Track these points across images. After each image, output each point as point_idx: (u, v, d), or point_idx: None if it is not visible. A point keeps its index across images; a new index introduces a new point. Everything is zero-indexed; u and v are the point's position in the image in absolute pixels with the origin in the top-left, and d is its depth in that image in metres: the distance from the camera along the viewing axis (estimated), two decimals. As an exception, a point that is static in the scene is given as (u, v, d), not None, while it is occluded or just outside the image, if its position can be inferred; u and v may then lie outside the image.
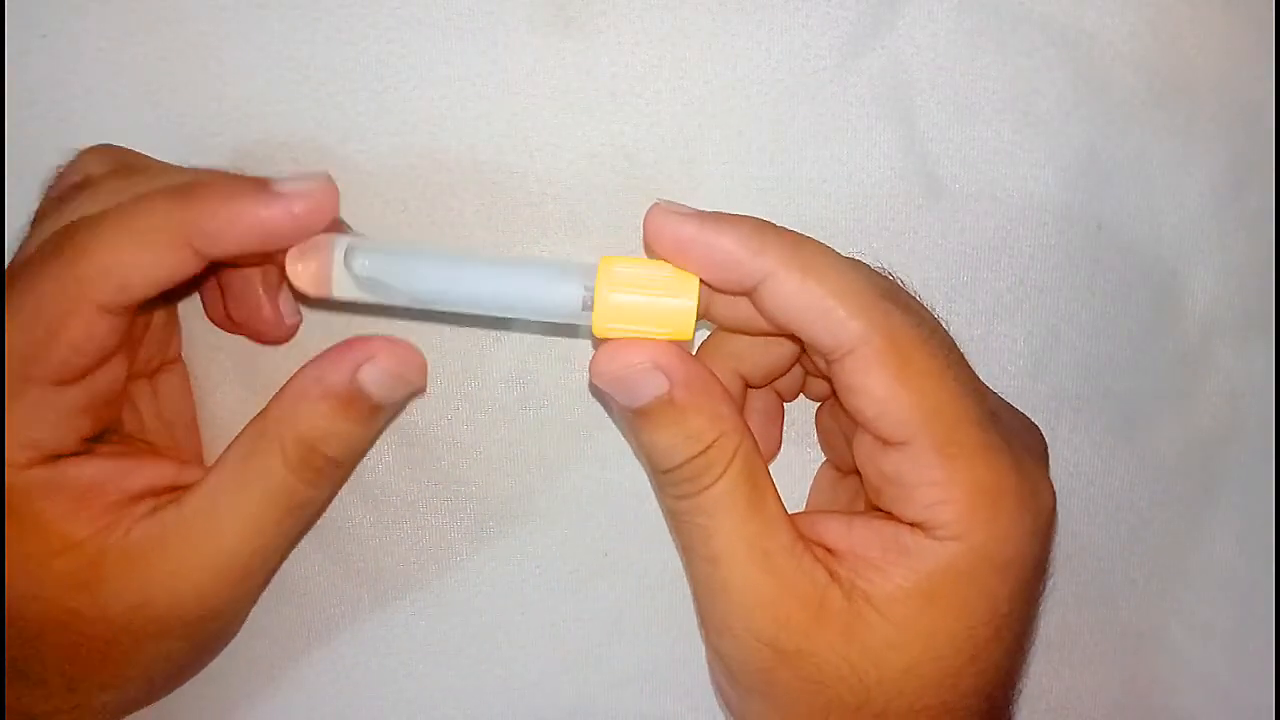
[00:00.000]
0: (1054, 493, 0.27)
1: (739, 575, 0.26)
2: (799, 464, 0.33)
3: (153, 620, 0.27)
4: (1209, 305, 0.35)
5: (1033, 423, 0.30)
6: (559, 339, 0.33)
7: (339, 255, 0.26)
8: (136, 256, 0.25)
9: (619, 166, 0.33)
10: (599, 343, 0.26)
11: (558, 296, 0.26)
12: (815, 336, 0.25)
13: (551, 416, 0.33)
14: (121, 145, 0.30)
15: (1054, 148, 0.34)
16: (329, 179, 0.26)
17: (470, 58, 0.33)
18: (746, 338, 0.29)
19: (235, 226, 0.25)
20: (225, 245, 0.25)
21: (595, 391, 0.32)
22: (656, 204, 0.26)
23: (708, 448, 0.26)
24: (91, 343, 0.26)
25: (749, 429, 0.27)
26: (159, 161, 0.30)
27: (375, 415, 0.28)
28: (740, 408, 0.31)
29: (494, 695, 0.34)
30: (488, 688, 0.34)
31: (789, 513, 0.27)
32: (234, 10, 0.33)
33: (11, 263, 0.28)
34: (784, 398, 0.33)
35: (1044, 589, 0.28)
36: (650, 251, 0.26)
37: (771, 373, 0.30)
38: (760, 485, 0.26)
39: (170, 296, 0.29)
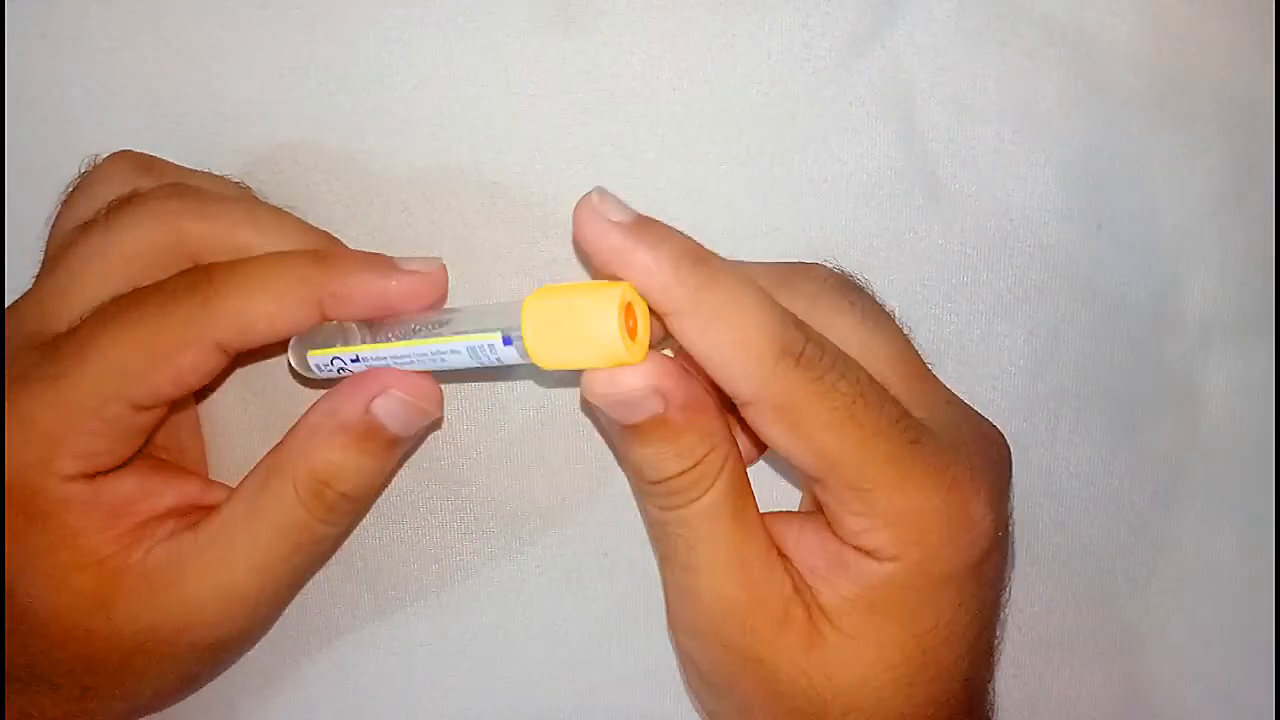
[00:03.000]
0: (998, 503, 0.27)
1: (715, 584, 0.26)
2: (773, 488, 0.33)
3: (163, 643, 0.27)
4: (1209, 305, 0.35)
5: (991, 431, 0.29)
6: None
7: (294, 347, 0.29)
8: (268, 307, 0.27)
9: (619, 166, 0.33)
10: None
11: (495, 354, 0.26)
12: (718, 382, 0.25)
13: (551, 416, 0.33)
14: (120, 145, 0.31)
15: (1054, 148, 0.34)
16: (442, 265, 0.28)
17: (470, 58, 0.33)
18: None
19: (363, 293, 0.27)
20: (350, 309, 0.27)
21: (582, 403, 0.32)
22: (591, 196, 0.24)
23: (697, 463, 0.26)
24: (194, 375, 0.27)
25: (734, 439, 0.27)
26: (179, 166, 0.31)
27: (391, 449, 0.28)
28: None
29: (494, 695, 0.34)
30: (488, 688, 0.34)
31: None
32: (234, 10, 0.33)
33: (21, 276, 0.29)
34: None
35: (999, 595, 0.28)
36: (575, 244, 0.26)
37: None
38: (743, 495, 0.27)
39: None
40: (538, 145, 0.33)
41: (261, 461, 0.28)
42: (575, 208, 0.24)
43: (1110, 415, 0.34)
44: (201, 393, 0.33)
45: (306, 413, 0.28)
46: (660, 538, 0.27)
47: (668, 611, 0.28)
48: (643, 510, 0.28)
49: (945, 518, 0.25)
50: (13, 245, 0.32)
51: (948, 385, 0.29)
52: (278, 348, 0.29)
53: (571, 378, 0.32)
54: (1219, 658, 0.35)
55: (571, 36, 0.33)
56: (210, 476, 0.32)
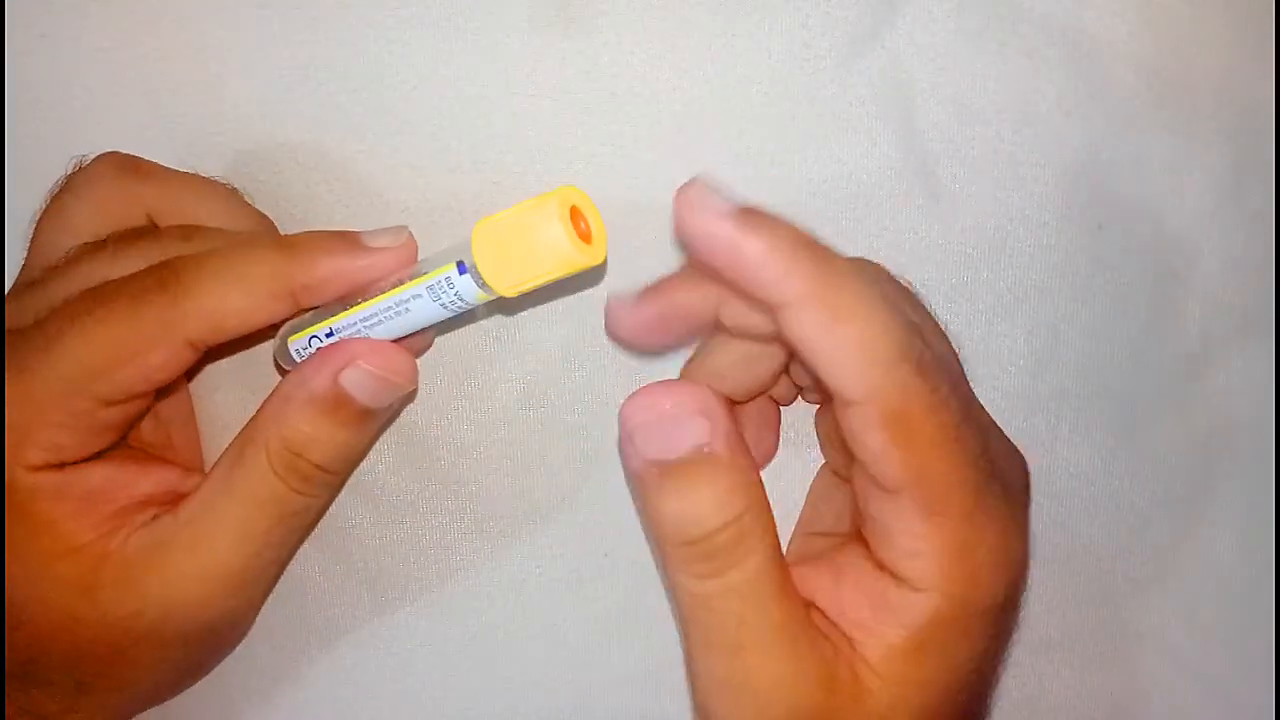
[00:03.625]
0: (1027, 536, 0.27)
1: (766, 666, 0.24)
2: (796, 465, 0.33)
3: (151, 629, 0.27)
4: (1209, 305, 0.35)
5: (1017, 452, 0.29)
6: (559, 338, 0.33)
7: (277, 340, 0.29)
8: (239, 301, 0.26)
9: (619, 166, 0.33)
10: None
11: (454, 288, 0.25)
12: (825, 378, 0.24)
13: (551, 416, 0.33)
14: (120, 145, 0.31)
15: (1054, 148, 0.34)
16: (410, 234, 0.27)
17: (470, 58, 0.33)
18: (729, 358, 0.28)
19: (334, 279, 0.27)
20: (322, 295, 0.27)
21: (622, 456, 0.28)
22: (691, 188, 0.23)
23: (741, 514, 0.24)
24: (164, 372, 0.26)
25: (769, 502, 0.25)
26: (166, 168, 0.30)
27: (364, 420, 0.28)
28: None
29: (494, 695, 0.34)
30: (488, 688, 0.34)
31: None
32: (234, 10, 0.33)
33: (19, 276, 0.29)
34: (780, 402, 0.33)
35: (1017, 620, 0.28)
36: (676, 231, 0.24)
37: (754, 391, 0.30)
38: (784, 562, 0.25)
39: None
40: (538, 145, 0.33)
41: (236, 437, 0.28)
42: (675, 200, 0.23)
43: (1110, 415, 0.34)
44: (200, 386, 0.33)
45: (279, 385, 0.28)
46: (697, 618, 0.25)
47: (697, 700, 0.26)
48: (674, 586, 0.25)
49: (994, 553, 0.25)
50: (12, 245, 0.32)
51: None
52: (252, 339, 0.29)
53: (538, 304, 0.32)
54: (1219, 658, 0.35)
55: (571, 36, 0.33)
56: (199, 472, 0.32)
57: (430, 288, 0.26)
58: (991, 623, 0.26)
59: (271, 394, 0.28)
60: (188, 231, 0.29)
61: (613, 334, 0.29)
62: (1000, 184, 0.34)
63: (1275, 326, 0.35)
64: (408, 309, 0.26)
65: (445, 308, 0.26)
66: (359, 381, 0.27)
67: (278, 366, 0.29)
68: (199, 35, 0.33)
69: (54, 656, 0.27)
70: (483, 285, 0.25)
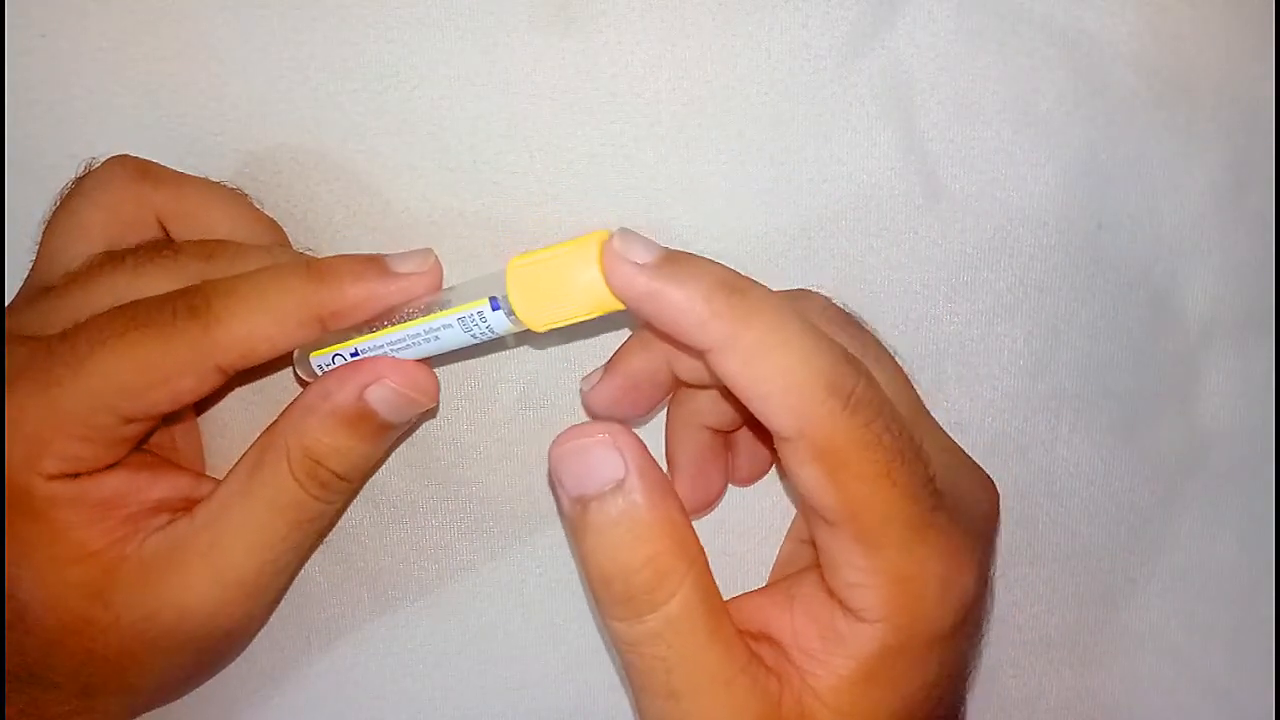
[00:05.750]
0: (984, 564, 0.27)
1: (702, 712, 0.24)
2: (778, 490, 0.33)
3: (164, 632, 0.27)
4: (1209, 305, 0.35)
5: (984, 479, 0.29)
6: (559, 339, 0.33)
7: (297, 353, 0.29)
8: (269, 330, 0.26)
9: (619, 166, 0.33)
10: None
11: (486, 321, 0.26)
12: (757, 415, 0.24)
13: (551, 416, 0.33)
14: (120, 146, 0.31)
15: (1054, 148, 0.34)
16: (436, 258, 0.28)
17: (470, 58, 0.33)
18: (708, 395, 0.29)
19: (362, 305, 0.27)
20: (349, 321, 0.27)
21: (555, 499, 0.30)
22: (613, 242, 0.24)
23: (659, 552, 0.24)
24: (192, 395, 0.27)
25: (700, 543, 0.25)
26: (176, 172, 0.31)
27: (383, 433, 0.28)
28: (722, 461, 0.32)
29: (494, 695, 0.34)
30: (488, 688, 0.34)
31: (730, 600, 0.26)
32: (234, 10, 0.33)
33: (25, 280, 0.29)
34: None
35: (978, 644, 0.28)
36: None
37: (738, 422, 0.30)
38: (716, 603, 0.25)
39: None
40: (538, 145, 0.33)
41: (255, 443, 0.28)
42: (604, 247, 0.24)
43: (1110, 415, 0.34)
44: (201, 405, 0.33)
45: (301, 393, 0.28)
46: (630, 662, 0.25)
47: None
48: (612, 639, 0.26)
49: (941, 583, 0.25)
50: (13, 245, 0.32)
51: (947, 388, 0.29)
52: (277, 364, 0.29)
53: (566, 339, 0.32)
54: (1219, 658, 0.35)
55: (571, 36, 0.33)
56: (209, 475, 0.32)
57: (461, 319, 0.26)
58: (941, 650, 0.25)
59: (293, 403, 0.28)
60: (208, 249, 0.29)
61: (589, 413, 0.30)
62: (1000, 184, 0.34)
63: (1275, 326, 0.35)
64: (437, 337, 0.27)
65: (474, 337, 0.27)
66: (384, 398, 0.27)
67: (297, 377, 0.29)
68: (199, 35, 0.33)
69: (64, 660, 0.27)
70: (514, 319, 0.26)
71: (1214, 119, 0.34)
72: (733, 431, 0.31)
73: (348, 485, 0.29)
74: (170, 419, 0.30)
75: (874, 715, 0.25)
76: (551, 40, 0.33)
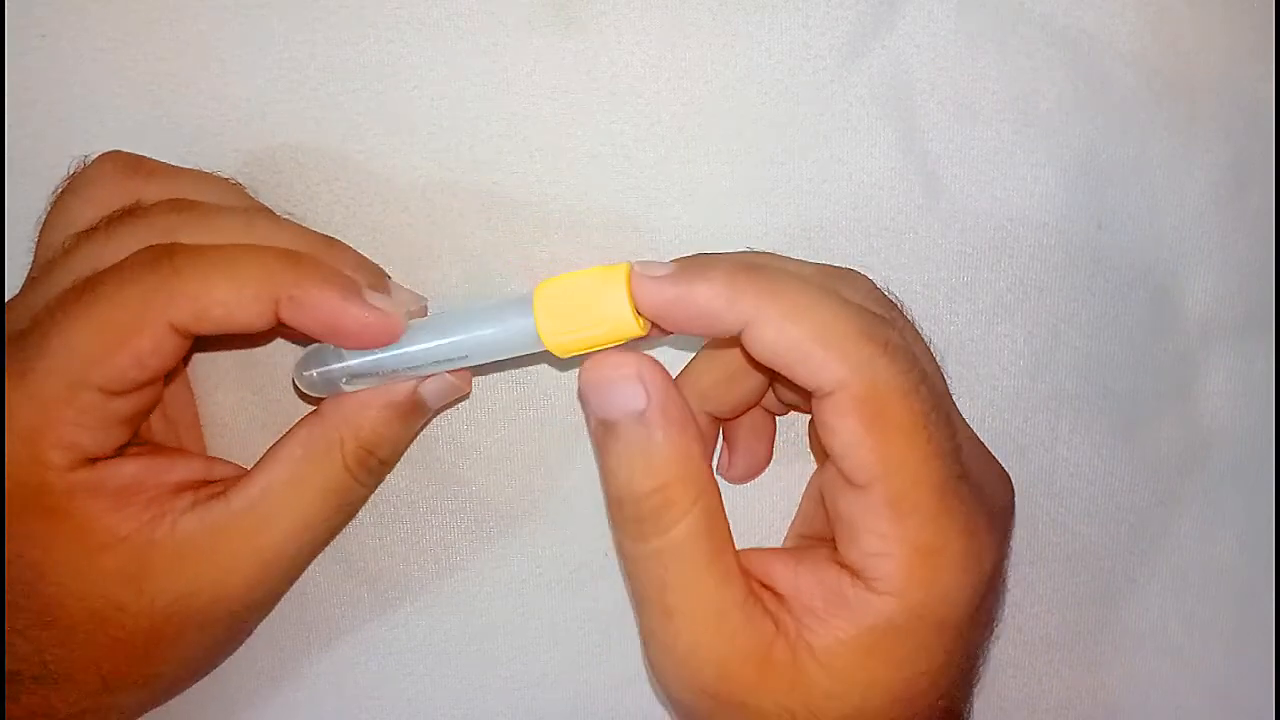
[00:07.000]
0: (1001, 554, 0.27)
1: (692, 633, 0.26)
2: (792, 474, 0.33)
3: (197, 611, 0.28)
4: (1209, 305, 0.35)
5: (1003, 473, 0.29)
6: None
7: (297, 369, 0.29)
8: (225, 294, 0.26)
9: (619, 166, 0.33)
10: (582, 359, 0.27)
11: (511, 337, 0.27)
12: (798, 378, 0.25)
13: (551, 416, 0.33)
14: (120, 145, 0.30)
15: (1054, 148, 0.34)
16: (425, 307, 0.30)
17: (470, 58, 0.33)
18: (713, 378, 0.30)
19: (317, 309, 0.27)
20: (301, 319, 0.27)
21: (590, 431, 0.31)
22: (634, 270, 0.25)
23: (667, 483, 0.25)
24: (155, 358, 0.27)
25: (715, 480, 0.26)
26: (168, 165, 0.30)
27: (424, 420, 0.30)
28: (711, 447, 0.32)
29: (494, 695, 0.34)
30: (488, 688, 0.34)
31: (741, 550, 0.27)
32: (234, 10, 0.33)
33: (30, 272, 0.29)
34: (774, 413, 0.33)
35: (989, 636, 0.28)
36: (647, 317, 0.26)
37: (739, 408, 0.31)
38: (720, 536, 0.26)
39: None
40: (538, 145, 0.33)
41: (297, 432, 0.29)
42: (630, 283, 0.25)
43: (1110, 415, 0.34)
44: (200, 386, 0.33)
45: (357, 392, 0.29)
46: (633, 576, 0.27)
47: (645, 655, 0.28)
48: (619, 552, 0.27)
49: (961, 563, 0.25)
50: (13, 245, 0.32)
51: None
52: (237, 340, 0.29)
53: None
54: (1219, 658, 0.35)
55: (571, 36, 0.33)
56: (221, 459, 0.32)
57: (487, 345, 0.27)
58: (950, 636, 0.26)
59: (343, 396, 0.28)
60: (179, 205, 0.29)
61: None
62: (1000, 184, 0.34)
63: (1275, 326, 0.35)
64: (465, 360, 0.28)
65: (497, 359, 0.28)
66: (437, 389, 0.29)
67: (297, 389, 0.29)
68: (199, 35, 0.33)
69: (85, 652, 0.27)
70: (538, 343, 0.26)
71: (1214, 119, 0.34)
72: (732, 419, 0.32)
73: (387, 469, 0.30)
74: (168, 386, 0.30)
75: (870, 687, 0.25)
76: (551, 40, 0.33)
